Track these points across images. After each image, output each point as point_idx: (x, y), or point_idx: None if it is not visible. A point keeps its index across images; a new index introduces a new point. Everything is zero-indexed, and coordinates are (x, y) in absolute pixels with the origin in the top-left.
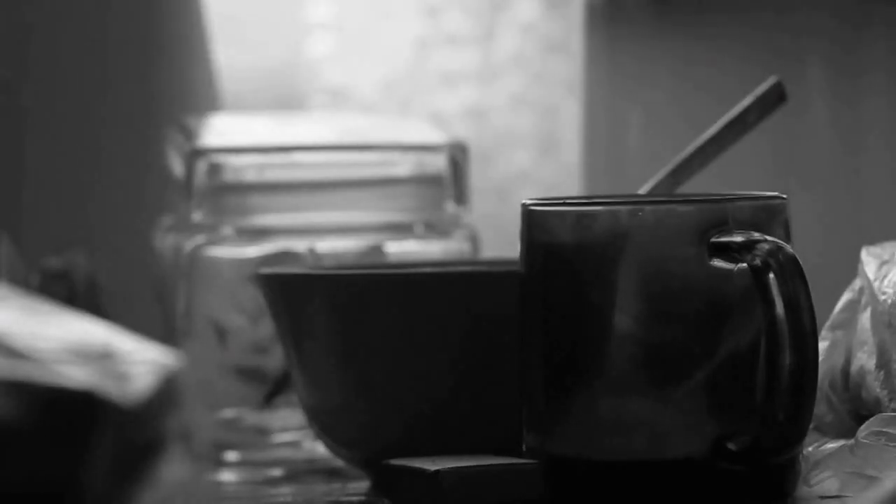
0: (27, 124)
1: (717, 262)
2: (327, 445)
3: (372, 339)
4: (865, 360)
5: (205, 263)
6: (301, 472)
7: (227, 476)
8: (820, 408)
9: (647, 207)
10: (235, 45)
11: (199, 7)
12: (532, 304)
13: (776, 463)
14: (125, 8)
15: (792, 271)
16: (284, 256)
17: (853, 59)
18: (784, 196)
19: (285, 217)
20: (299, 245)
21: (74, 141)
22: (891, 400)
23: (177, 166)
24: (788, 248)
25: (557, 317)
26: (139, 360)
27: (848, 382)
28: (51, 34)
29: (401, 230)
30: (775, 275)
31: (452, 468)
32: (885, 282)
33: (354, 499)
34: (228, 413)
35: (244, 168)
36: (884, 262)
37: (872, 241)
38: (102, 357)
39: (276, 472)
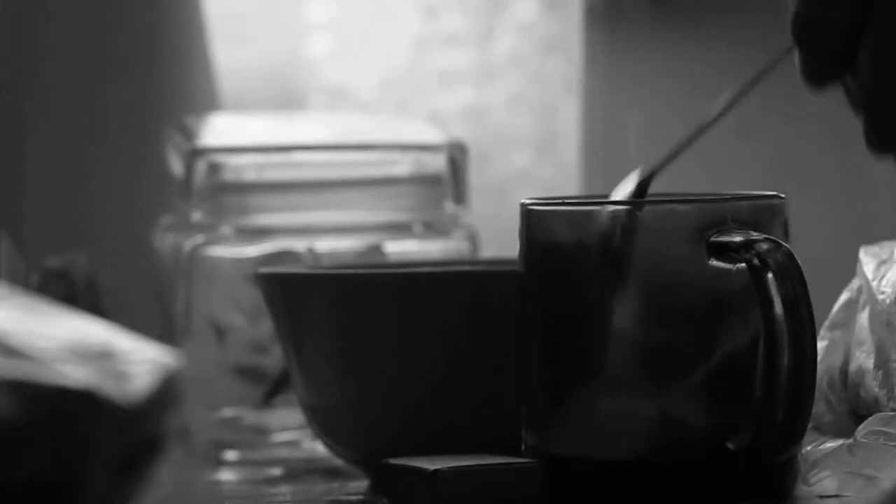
0: (27, 124)
1: (716, 262)
2: (326, 445)
3: (371, 338)
4: (864, 359)
5: (204, 263)
6: (300, 471)
7: (226, 475)
8: (818, 407)
9: (646, 207)
10: (235, 45)
11: (199, 7)
12: (531, 304)
13: (775, 462)
14: (125, 8)
15: (790, 271)
16: (283, 256)
17: None
18: (783, 196)
19: (284, 217)
20: (298, 245)
21: (74, 141)
22: (889, 399)
23: (176, 166)
24: (787, 247)
25: (556, 316)
26: (139, 360)
27: (846, 382)
28: (51, 34)
29: (400, 230)
30: (774, 274)
31: (451, 467)
32: (884, 281)
33: (353, 498)
34: (228, 412)
35: (243, 168)
36: (882, 262)
37: (871, 240)
38: (102, 356)
39: (276, 471)
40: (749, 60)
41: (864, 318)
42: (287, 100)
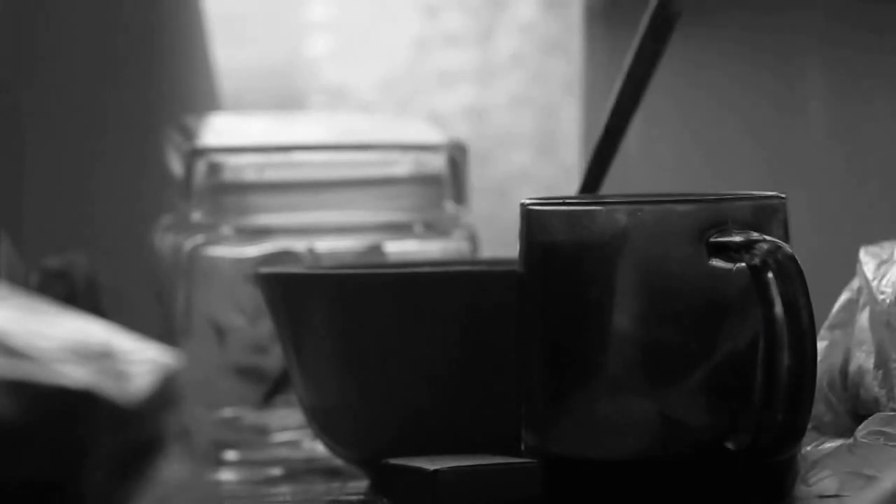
0: (27, 124)
1: (716, 262)
2: (326, 445)
3: (371, 338)
4: (864, 359)
5: (204, 263)
6: (300, 471)
7: (226, 475)
8: (818, 407)
9: (646, 207)
10: (235, 45)
11: (199, 7)
12: (531, 304)
13: (775, 462)
14: (125, 8)
15: (790, 271)
16: (284, 256)
17: (853, 60)
18: (783, 196)
19: (285, 217)
20: (298, 245)
21: (74, 141)
22: (889, 399)
23: (176, 166)
24: (787, 247)
25: (556, 316)
26: (139, 360)
27: (846, 382)
28: (51, 34)
29: (400, 230)
30: (774, 274)
31: (451, 467)
32: (884, 281)
33: (353, 498)
34: (228, 412)
35: (243, 168)
36: (882, 262)
37: (871, 240)
38: (102, 356)
39: (276, 471)
40: (748, 60)
41: (864, 318)
42: (287, 100)
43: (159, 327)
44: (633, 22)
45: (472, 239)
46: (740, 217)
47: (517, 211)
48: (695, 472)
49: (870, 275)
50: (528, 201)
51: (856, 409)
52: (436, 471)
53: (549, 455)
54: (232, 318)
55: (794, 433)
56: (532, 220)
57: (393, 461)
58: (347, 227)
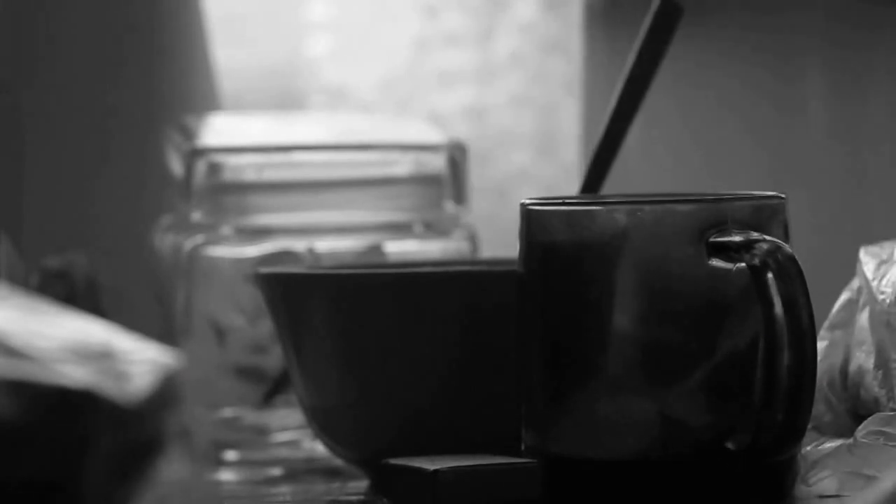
0: (27, 124)
1: (716, 262)
2: (326, 445)
3: (371, 338)
4: (864, 359)
5: (204, 263)
6: (300, 471)
7: (226, 475)
8: (818, 407)
9: (646, 207)
10: (235, 45)
11: (199, 7)
12: (531, 304)
13: (775, 462)
14: (125, 9)
15: (790, 271)
16: (283, 256)
17: (852, 60)
18: (783, 196)
19: (284, 217)
20: (298, 245)
21: (74, 141)
22: (889, 399)
23: (176, 166)
24: (787, 247)
25: (556, 316)
26: (139, 360)
27: (846, 382)
28: (51, 34)
29: (400, 230)
30: (774, 274)
31: (451, 468)
32: (884, 281)
33: (353, 498)
34: (228, 412)
35: (243, 168)
36: (882, 262)
37: (871, 240)
38: (102, 356)
39: (276, 471)
40: (749, 60)
41: (864, 318)
42: (287, 100)
43: (159, 327)
44: (633, 22)
45: (472, 239)
46: (740, 217)
47: (517, 211)
48: (695, 472)
49: (870, 275)
50: (528, 201)
51: (856, 409)
52: (436, 471)
53: (549, 455)
54: (232, 318)
55: (794, 433)
56: (532, 220)
57: (393, 461)
58: (347, 227)
